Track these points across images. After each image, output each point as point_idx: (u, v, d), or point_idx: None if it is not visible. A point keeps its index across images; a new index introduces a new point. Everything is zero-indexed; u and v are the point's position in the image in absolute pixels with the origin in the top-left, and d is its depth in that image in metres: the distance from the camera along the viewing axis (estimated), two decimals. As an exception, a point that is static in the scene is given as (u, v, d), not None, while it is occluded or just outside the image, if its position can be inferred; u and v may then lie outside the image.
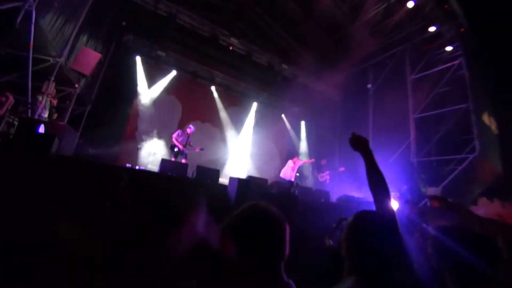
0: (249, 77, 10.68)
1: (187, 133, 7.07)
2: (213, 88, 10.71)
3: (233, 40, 8.96)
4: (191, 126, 7.20)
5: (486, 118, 7.02)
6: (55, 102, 5.45)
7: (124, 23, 8.19)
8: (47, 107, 5.29)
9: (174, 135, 6.99)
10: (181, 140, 6.93)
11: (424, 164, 7.60)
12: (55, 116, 5.59)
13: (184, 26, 8.29)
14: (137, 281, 2.29)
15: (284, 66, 9.95)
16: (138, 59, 9.15)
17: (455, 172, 6.60)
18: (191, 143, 7.08)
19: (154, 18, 8.01)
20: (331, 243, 2.66)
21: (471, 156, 6.46)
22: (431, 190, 6.61)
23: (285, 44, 10.22)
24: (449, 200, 1.94)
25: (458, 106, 7.07)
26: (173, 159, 6.76)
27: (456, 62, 7.32)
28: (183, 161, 6.61)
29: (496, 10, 5.71)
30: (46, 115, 5.22)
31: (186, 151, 7.00)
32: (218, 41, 8.85)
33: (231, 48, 9.10)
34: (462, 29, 7.16)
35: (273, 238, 0.89)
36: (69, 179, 3.03)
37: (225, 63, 10.24)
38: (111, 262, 2.38)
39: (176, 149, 6.85)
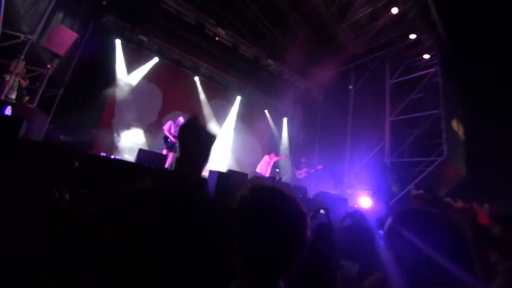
0: (234, 70, 10.56)
1: (178, 125, 6.90)
2: (196, 78, 10.48)
3: (220, 30, 8.77)
4: (181, 118, 7.03)
5: (455, 124, 7.51)
6: (25, 82, 5.08)
7: (104, 3, 7.72)
8: (15, 87, 4.91)
9: (166, 127, 6.80)
10: (173, 132, 6.78)
11: (397, 164, 8.00)
12: (26, 98, 5.21)
13: (169, 11, 7.99)
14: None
15: (270, 61, 9.93)
16: (118, 42, 8.70)
17: (424, 174, 7.03)
18: None
19: None
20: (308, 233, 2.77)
21: (439, 159, 6.90)
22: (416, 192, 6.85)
23: (273, 39, 10.18)
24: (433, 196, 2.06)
25: (430, 112, 7.49)
26: (164, 151, 6.58)
27: (432, 70, 7.71)
28: (171, 154, 6.50)
29: (473, 23, 6.08)
30: (13, 96, 4.85)
31: (177, 144, 6.85)
32: (204, 30, 8.64)
33: (217, 38, 8.92)
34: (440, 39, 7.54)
35: (291, 247, 0.72)
36: (33, 164, 2.89)
37: (210, 54, 10.03)
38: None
39: (169, 141, 6.67)
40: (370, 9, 7.99)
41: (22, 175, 2.73)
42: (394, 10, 7.46)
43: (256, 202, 0.75)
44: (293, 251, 0.73)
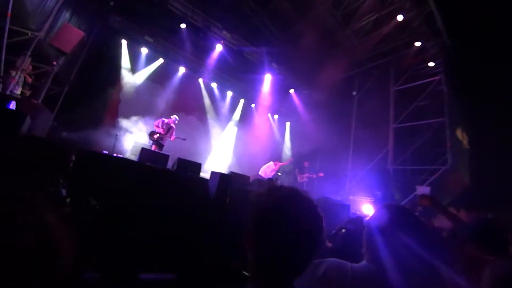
0: (239, 73, 10.59)
1: (169, 123, 6.87)
2: (200, 80, 10.53)
3: (225, 33, 8.83)
4: (172, 117, 7.02)
5: (459, 133, 7.43)
6: (29, 79, 5.10)
7: (112, 3, 7.80)
8: (20, 83, 4.94)
9: (156, 123, 6.83)
10: (160, 128, 6.77)
11: (400, 172, 7.92)
12: (28, 93, 5.23)
13: (175, 13, 8.05)
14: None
15: (274, 65, 9.96)
16: (123, 42, 8.77)
17: (427, 182, 6.94)
18: (172, 135, 6.87)
19: (145, 1, 7.71)
20: (331, 245, 2.87)
21: (443, 168, 6.82)
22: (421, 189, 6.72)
23: (277, 43, 10.21)
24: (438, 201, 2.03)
25: (434, 120, 7.44)
26: (153, 147, 6.58)
27: (436, 78, 7.68)
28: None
29: (478, 32, 6.05)
30: (18, 91, 4.87)
31: (164, 143, 6.82)
32: (210, 33, 8.69)
33: (222, 41, 8.97)
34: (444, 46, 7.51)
35: (304, 247, 0.71)
36: (35, 158, 2.85)
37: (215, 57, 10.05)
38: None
39: (155, 136, 6.67)
40: (375, 16, 8.00)
41: (23, 170, 2.70)
42: (400, 17, 7.45)
43: (276, 202, 0.74)
44: (309, 252, 0.73)
